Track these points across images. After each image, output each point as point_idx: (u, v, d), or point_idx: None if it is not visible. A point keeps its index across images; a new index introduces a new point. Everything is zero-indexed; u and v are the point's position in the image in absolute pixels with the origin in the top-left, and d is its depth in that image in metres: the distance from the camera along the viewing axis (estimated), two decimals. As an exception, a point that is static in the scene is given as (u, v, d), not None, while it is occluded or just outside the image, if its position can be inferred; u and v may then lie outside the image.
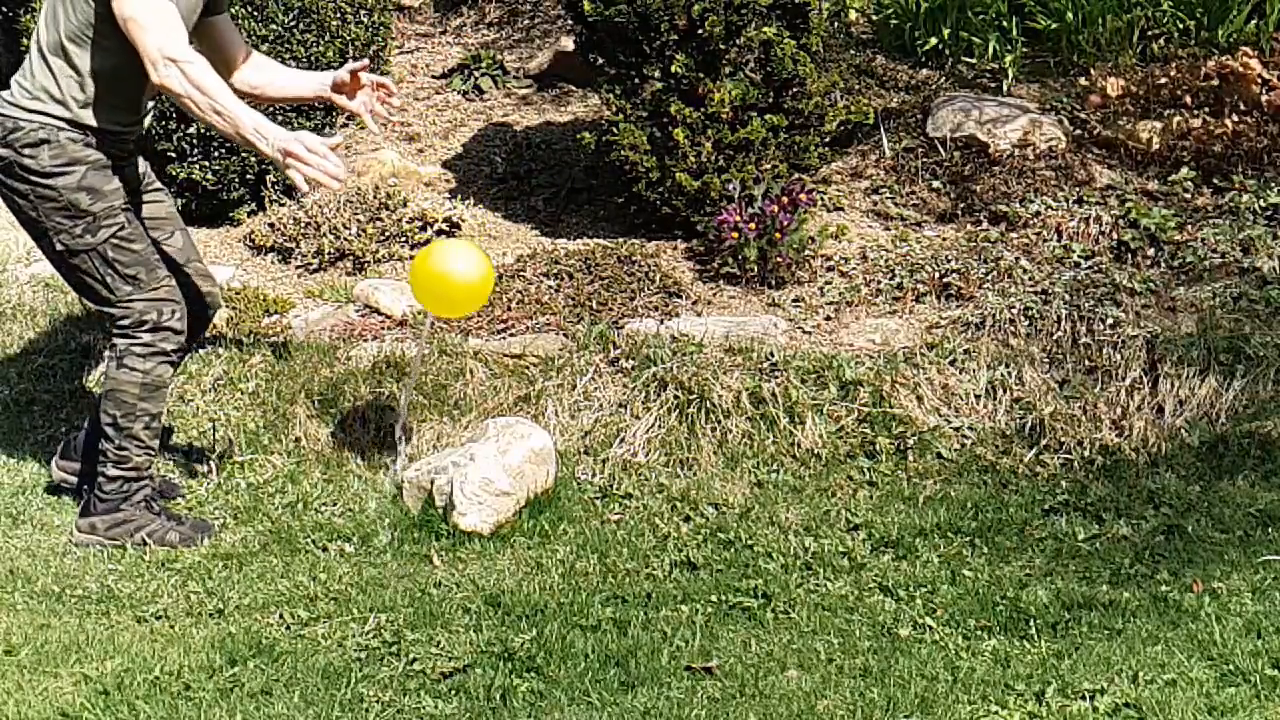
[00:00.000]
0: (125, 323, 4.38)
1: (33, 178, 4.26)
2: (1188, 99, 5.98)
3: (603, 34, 5.82)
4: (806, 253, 5.57)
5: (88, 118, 4.26)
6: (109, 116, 4.28)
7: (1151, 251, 5.42)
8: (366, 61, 4.61)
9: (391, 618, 3.99)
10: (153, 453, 4.50)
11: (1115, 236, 5.49)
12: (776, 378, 4.93)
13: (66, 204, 4.27)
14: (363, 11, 6.49)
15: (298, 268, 5.95)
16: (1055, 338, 5.05)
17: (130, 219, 4.36)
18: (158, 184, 4.63)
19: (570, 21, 6.35)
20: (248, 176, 6.19)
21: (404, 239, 5.97)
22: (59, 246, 4.32)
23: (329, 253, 5.92)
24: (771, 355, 5.01)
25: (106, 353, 4.49)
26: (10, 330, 5.68)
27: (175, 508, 4.64)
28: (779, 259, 5.49)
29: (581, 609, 4.00)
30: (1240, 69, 5.93)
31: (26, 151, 4.25)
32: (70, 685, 3.68)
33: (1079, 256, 5.41)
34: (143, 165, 4.57)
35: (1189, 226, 5.49)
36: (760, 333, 5.16)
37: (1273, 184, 5.61)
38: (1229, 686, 3.52)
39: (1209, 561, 4.14)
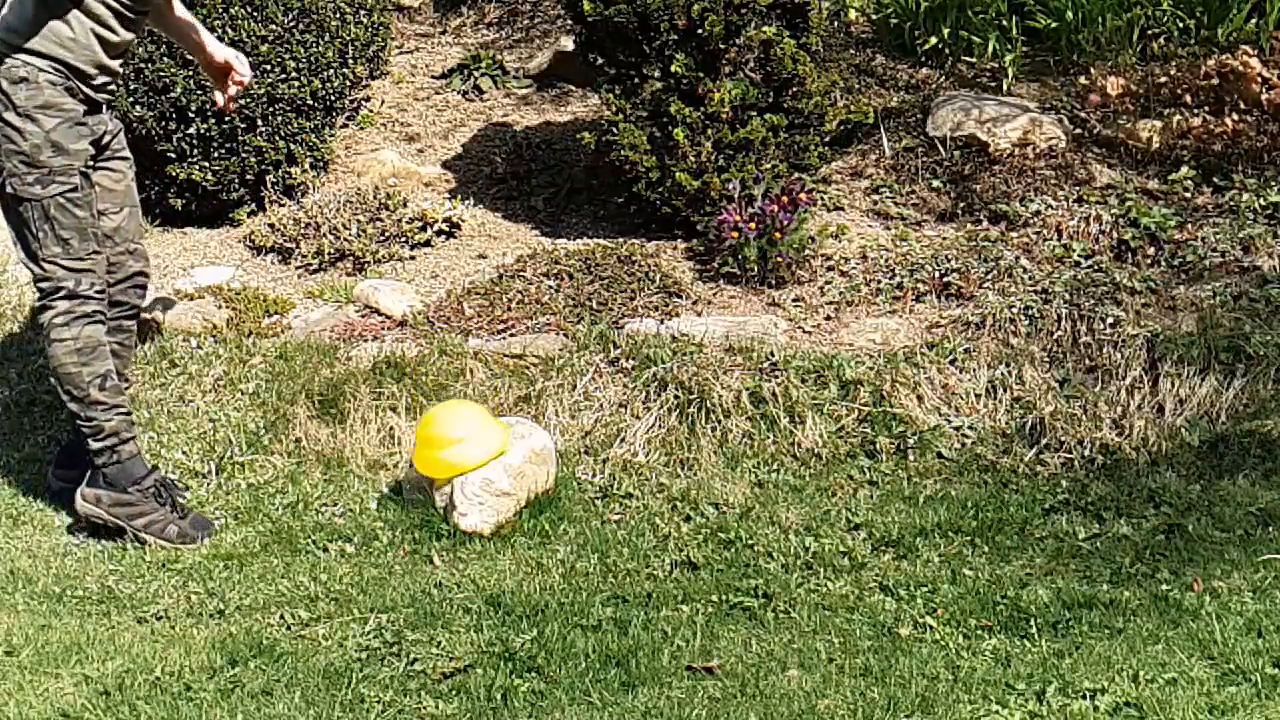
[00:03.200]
0: (44, 286, 4.42)
1: (4, 115, 4.30)
2: (1188, 98, 5.98)
3: (602, 34, 5.82)
4: (806, 252, 5.57)
5: (63, 54, 4.30)
6: (84, 56, 4.32)
7: (1152, 250, 5.42)
8: (248, 74, 4.79)
9: (392, 618, 3.99)
10: (123, 411, 4.49)
11: (1115, 235, 5.49)
12: (777, 377, 4.93)
13: (28, 151, 4.31)
14: (362, 11, 6.49)
15: (298, 268, 5.95)
16: (1055, 337, 5.06)
17: (85, 184, 4.40)
18: (125, 153, 4.64)
19: (570, 21, 6.34)
20: (248, 177, 6.19)
21: (404, 239, 5.97)
22: (8, 189, 4.37)
23: (329, 253, 5.92)
24: (771, 355, 5.01)
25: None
26: (10, 331, 5.68)
27: None
28: (779, 259, 5.49)
29: (582, 609, 4.00)
30: (1240, 68, 5.93)
31: (4, 87, 4.29)
32: (71, 686, 3.68)
33: (1079, 256, 5.41)
34: (114, 125, 4.60)
35: (1189, 225, 5.49)
36: (760, 332, 5.16)
37: (1273, 183, 5.61)
38: (1230, 685, 3.51)
39: (1209, 560, 4.14)
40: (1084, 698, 3.48)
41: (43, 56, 4.30)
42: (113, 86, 4.55)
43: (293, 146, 6.19)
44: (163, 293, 5.70)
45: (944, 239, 5.67)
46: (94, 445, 4.45)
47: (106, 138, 4.52)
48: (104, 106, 4.51)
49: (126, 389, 4.68)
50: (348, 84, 6.44)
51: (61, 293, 4.41)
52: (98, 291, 4.45)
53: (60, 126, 4.32)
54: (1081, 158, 5.95)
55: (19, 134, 4.30)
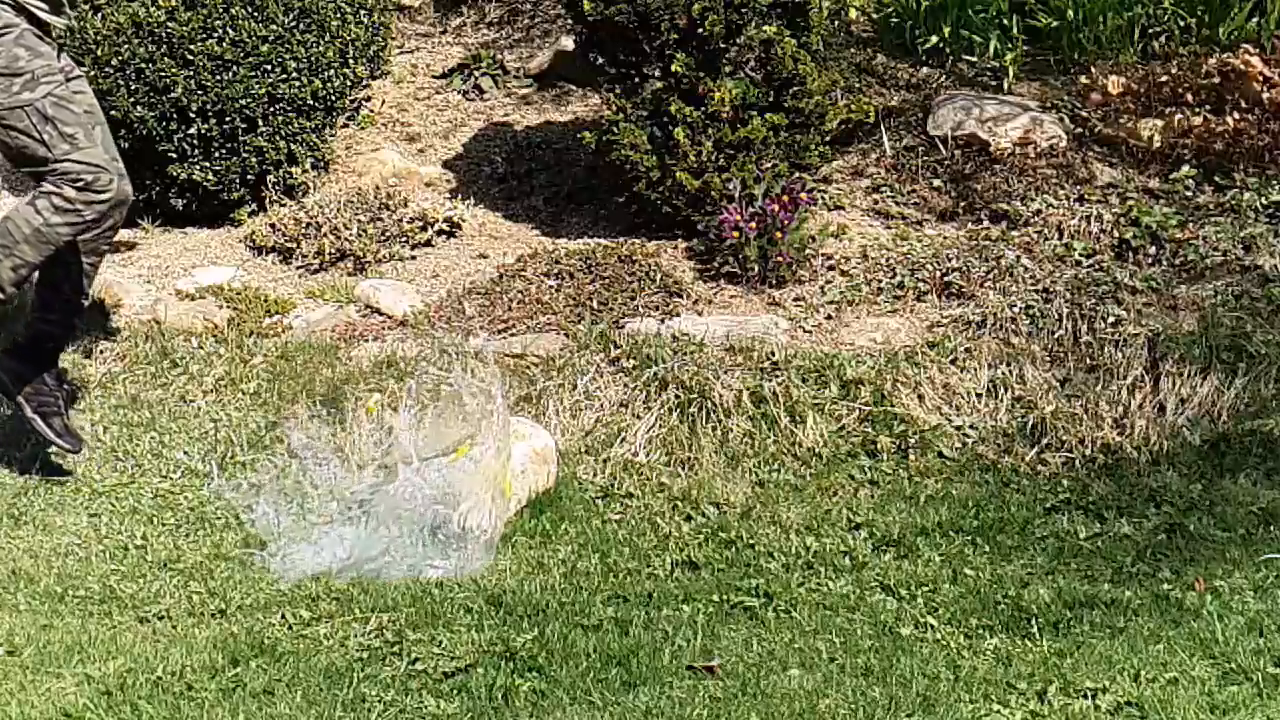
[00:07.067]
0: (58, 171, 4.31)
1: None
2: (1189, 97, 5.98)
3: (603, 33, 5.82)
4: (807, 252, 5.57)
5: None
6: None
7: (1153, 250, 5.42)
8: None
9: (393, 618, 3.98)
10: (5, 304, 4.51)
11: (1116, 235, 5.49)
12: (777, 377, 4.93)
13: (5, 63, 4.28)
14: (363, 11, 6.49)
15: (298, 268, 5.95)
16: (1056, 336, 5.06)
17: (70, 77, 4.38)
18: (78, 72, 4.58)
19: (570, 21, 6.34)
20: (248, 177, 6.18)
21: (404, 239, 5.97)
22: None
23: (330, 253, 5.92)
24: (772, 354, 5.01)
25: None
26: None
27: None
28: (780, 258, 5.49)
29: (583, 608, 4.00)
30: (1241, 66, 5.93)
31: None
32: (73, 686, 3.68)
33: (1080, 255, 5.41)
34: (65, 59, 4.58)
35: (1190, 224, 5.49)
36: (761, 332, 5.16)
37: (1274, 181, 5.61)
38: (1231, 685, 3.51)
39: (1211, 560, 4.14)
40: (1085, 697, 3.48)
41: None
42: (59, 30, 4.52)
43: (293, 146, 6.19)
44: (162, 291, 5.71)
45: (945, 238, 5.67)
46: None
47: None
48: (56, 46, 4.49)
49: (86, 303, 4.70)
50: (348, 84, 6.43)
51: (78, 183, 4.30)
52: (109, 191, 4.31)
53: (25, 32, 4.30)
54: (1082, 157, 5.95)
55: None
